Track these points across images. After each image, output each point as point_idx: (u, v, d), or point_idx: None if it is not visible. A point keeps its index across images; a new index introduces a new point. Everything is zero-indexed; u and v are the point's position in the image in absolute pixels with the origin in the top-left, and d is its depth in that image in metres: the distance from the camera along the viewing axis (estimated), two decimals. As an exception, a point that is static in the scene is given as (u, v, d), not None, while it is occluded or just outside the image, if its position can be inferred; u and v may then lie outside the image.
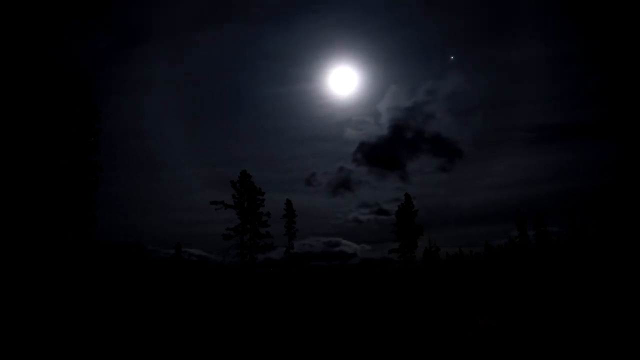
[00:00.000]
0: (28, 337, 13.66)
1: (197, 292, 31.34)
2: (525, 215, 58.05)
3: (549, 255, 49.52)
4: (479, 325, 17.10)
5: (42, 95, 25.10)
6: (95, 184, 26.16)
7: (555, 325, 16.28)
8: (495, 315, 20.37)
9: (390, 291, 37.84)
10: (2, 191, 22.75)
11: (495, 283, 38.53)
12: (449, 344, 13.47)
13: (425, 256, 47.55)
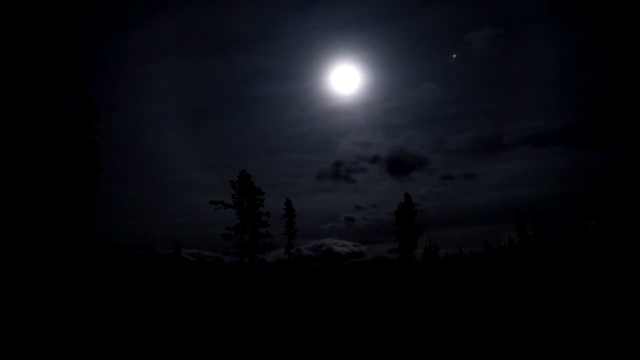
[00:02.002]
0: (28, 336, 13.64)
1: (198, 291, 31.31)
2: (525, 217, 58.10)
3: (549, 255, 49.49)
4: (479, 325, 17.08)
5: (41, 95, 25.05)
6: (95, 184, 26.07)
7: (555, 324, 16.26)
8: (495, 315, 20.35)
9: (391, 291, 37.81)
10: (2, 191, 22.72)
11: (495, 283, 38.49)
12: (449, 344, 13.45)
13: (425, 256, 47.50)
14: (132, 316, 19.23)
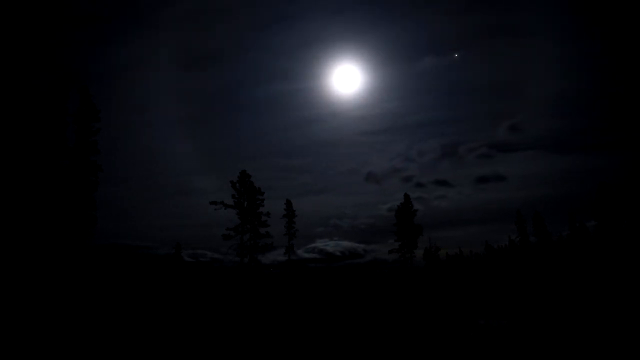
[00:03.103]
0: (29, 336, 13.63)
1: (198, 292, 31.31)
2: (525, 217, 58.09)
3: (549, 255, 49.48)
4: (479, 325, 17.07)
5: (41, 96, 25.04)
6: (95, 184, 26.06)
7: (555, 325, 16.25)
8: (495, 315, 20.34)
9: (391, 291, 37.80)
10: (2, 192, 22.71)
11: (495, 283, 38.48)
12: (449, 344, 13.45)
13: (425, 256, 47.49)
14: (132, 316, 19.23)
